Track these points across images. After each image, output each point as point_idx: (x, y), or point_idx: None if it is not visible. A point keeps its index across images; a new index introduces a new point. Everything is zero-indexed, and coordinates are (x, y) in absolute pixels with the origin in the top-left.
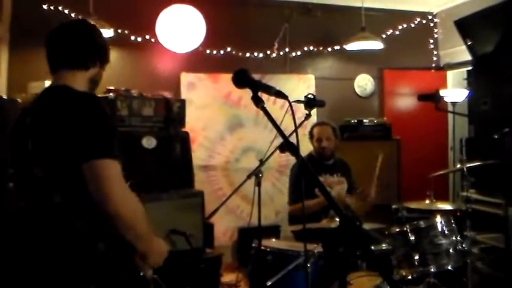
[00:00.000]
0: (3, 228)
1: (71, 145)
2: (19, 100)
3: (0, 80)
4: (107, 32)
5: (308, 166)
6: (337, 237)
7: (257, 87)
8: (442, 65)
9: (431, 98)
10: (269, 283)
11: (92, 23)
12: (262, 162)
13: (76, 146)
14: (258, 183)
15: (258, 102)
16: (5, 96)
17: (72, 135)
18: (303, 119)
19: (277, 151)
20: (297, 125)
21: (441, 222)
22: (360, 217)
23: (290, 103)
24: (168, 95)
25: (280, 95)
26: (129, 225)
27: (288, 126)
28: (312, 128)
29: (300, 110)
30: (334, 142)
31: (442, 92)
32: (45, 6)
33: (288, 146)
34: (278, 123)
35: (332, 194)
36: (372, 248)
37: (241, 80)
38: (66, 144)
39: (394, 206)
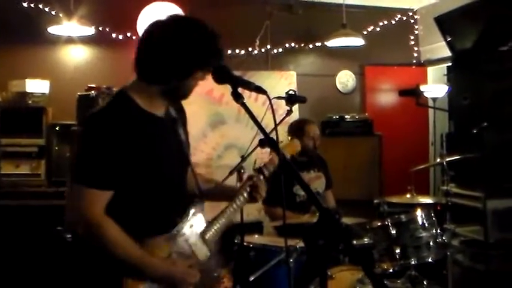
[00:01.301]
0: None
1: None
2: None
3: None
4: (88, 30)
5: (289, 162)
6: (317, 230)
7: (237, 83)
8: (422, 61)
9: (412, 94)
10: (252, 278)
11: (196, 22)
12: (243, 159)
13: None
14: (240, 179)
15: (237, 98)
16: None
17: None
18: (285, 115)
19: (259, 147)
20: (278, 121)
21: (421, 215)
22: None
23: (269, 98)
24: None
25: (259, 90)
26: (98, 246)
27: (269, 123)
28: (304, 125)
29: (282, 107)
30: None
31: (422, 88)
32: (25, 4)
33: (268, 141)
34: (259, 119)
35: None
36: (354, 242)
37: (221, 76)
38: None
39: (375, 201)
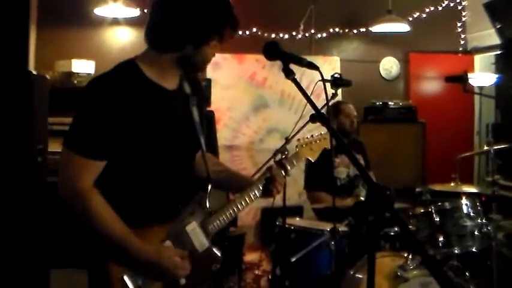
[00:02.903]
0: (36, 201)
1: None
2: (48, 77)
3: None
4: (133, 12)
5: (339, 136)
6: (366, 206)
7: (288, 59)
8: (469, 49)
9: (459, 80)
10: (293, 259)
11: None
12: (287, 140)
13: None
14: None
15: (288, 74)
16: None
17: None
18: (329, 98)
19: (302, 130)
20: (322, 104)
21: (466, 204)
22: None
23: (321, 74)
24: None
25: (311, 65)
26: (80, 218)
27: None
28: (339, 105)
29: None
30: None
31: (469, 76)
32: None
33: (319, 116)
34: (303, 103)
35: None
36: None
37: (272, 51)
38: None
39: (418, 189)
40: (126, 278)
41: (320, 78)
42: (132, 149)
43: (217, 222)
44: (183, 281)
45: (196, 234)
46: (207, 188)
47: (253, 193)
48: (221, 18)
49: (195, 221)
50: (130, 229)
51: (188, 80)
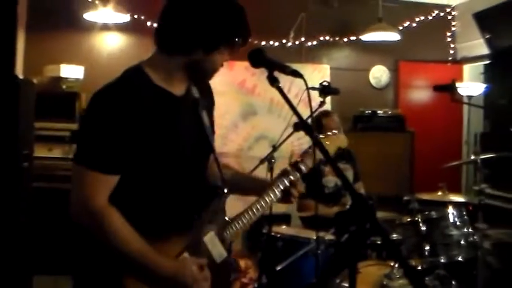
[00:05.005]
0: (20, 207)
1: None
2: (35, 81)
3: (16, 62)
4: (123, 17)
5: (323, 146)
6: (349, 216)
7: (272, 66)
8: (458, 59)
9: (447, 89)
10: (279, 268)
11: None
12: (275, 148)
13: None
14: (271, 169)
15: (273, 81)
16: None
17: (79, 130)
18: (317, 106)
19: (290, 138)
20: (312, 111)
21: (453, 213)
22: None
23: (305, 81)
24: None
25: (295, 74)
26: (98, 237)
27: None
28: (321, 118)
29: (314, 99)
30: None
31: (458, 85)
32: None
33: (302, 125)
34: (291, 111)
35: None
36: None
37: (257, 59)
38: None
39: (405, 198)
40: None
41: (308, 87)
42: (144, 159)
43: (234, 230)
44: None
45: (214, 244)
46: (223, 195)
47: (269, 197)
48: (233, 26)
49: (212, 230)
50: (149, 242)
51: (196, 85)
